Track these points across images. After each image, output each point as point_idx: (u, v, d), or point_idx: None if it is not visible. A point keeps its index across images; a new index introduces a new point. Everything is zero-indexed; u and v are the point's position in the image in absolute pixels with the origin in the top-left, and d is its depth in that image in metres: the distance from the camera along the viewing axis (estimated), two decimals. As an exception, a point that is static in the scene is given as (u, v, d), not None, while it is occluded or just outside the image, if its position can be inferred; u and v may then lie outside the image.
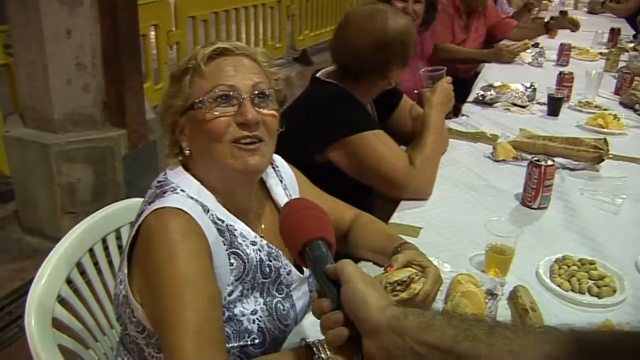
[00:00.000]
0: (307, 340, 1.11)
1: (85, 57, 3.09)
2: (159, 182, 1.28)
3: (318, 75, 2.16)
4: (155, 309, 1.13)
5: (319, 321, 0.95)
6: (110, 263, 1.58)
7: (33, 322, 1.30)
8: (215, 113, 1.22)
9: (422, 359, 0.82)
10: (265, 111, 1.26)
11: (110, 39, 3.11)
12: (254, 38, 6.30)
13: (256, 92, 1.25)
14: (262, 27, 6.44)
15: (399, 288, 1.26)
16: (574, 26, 4.77)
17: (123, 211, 1.61)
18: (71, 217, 3.15)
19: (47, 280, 1.37)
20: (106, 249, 1.57)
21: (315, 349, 1.08)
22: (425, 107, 2.17)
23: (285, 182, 1.50)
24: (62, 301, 1.41)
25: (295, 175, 1.55)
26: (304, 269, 1.41)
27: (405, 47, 2.04)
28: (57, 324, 1.37)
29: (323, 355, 1.07)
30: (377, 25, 2.01)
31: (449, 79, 2.28)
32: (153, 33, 4.77)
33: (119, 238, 1.60)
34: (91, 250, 1.52)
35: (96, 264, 1.54)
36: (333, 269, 0.96)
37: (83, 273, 1.50)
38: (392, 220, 1.81)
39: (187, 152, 1.28)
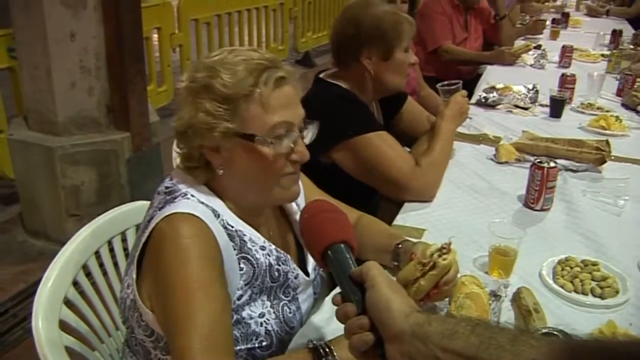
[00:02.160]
0: (314, 342, 1.12)
1: (88, 59, 3.11)
2: (167, 187, 1.27)
3: (321, 75, 2.17)
4: (165, 313, 1.13)
5: (342, 325, 0.95)
6: (116, 265, 1.59)
7: (40, 323, 1.30)
8: (277, 151, 1.23)
9: None
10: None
11: (114, 41, 3.13)
12: (256, 40, 6.31)
13: (303, 127, 1.29)
14: (265, 29, 6.45)
15: (444, 250, 1.32)
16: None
17: (128, 214, 1.62)
18: (75, 220, 3.16)
19: (53, 282, 1.38)
20: (111, 250, 1.58)
21: (322, 351, 1.08)
22: (437, 118, 2.18)
23: None
24: (67, 303, 1.41)
25: (301, 180, 1.56)
26: (309, 272, 1.43)
27: (379, 32, 2.04)
28: (63, 326, 1.37)
29: (330, 358, 1.08)
30: (358, 8, 2.08)
31: (464, 92, 2.30)
32: (156, 35, 4.78)
33: (124, 240, 1.60)
34: (97, 253, 1.53)
35: (101, 266, 1.55)
36: (358, 272, 0.96)
37: (89, 275, 1.51)
38: (395, 222, 1.82)
39: (220, 171, 1.26)
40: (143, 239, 1.20)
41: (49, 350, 1.29)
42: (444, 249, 1.32)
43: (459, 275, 1.44)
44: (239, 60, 1.22)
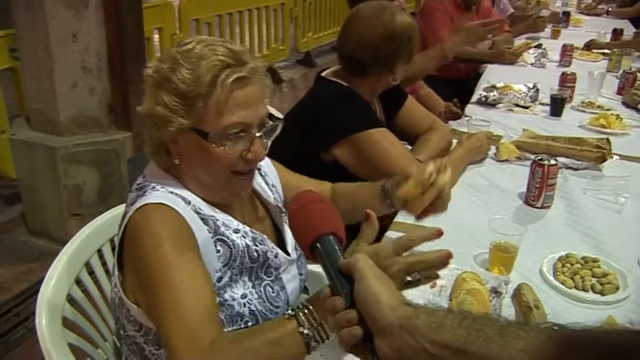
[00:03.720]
0: (293, 308, 1.12)
1: (90, 60, 3.11)
2: (138, 184, 1.31)
3: (323, 74, 2.18)
4: (149, 298, 1.16)
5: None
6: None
7: (44, 320, 1.32)
8: (228, 150, 1.23)
9: (434, 358, 0.82)
10: (267, 144, 1.29)
11: (115, 41, 3.14)
12: (257, 40, 6.31)
13: (264, 127, 1.27)
14: (265, 29, 6.45)
15: (441, 170, 1.40)
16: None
17: (130, 212, 1.63)
18: (77, 219, 3.17)
19: (56, 279, 1.39)
20: (114, 249, 1.58)
21: (302, 314, 1.09)
22: (457, 144, 2.26)
23: (263, 170, 1.53)
24: (70, 300, 1.42)
25: (272, 164, 1.58)
26: (290, 252, 1.44)
27: (411, 42, 2.09)
28: (66, 323, 1.38)
29: (311, 319, 1.08)
30: (386, 18, 2.06)
31: (490, 132, 2.39)
32: (157, 36, 4.78)
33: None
34: (99, 251, 1.54)
35: (104, 264, 1.56)
36: (346, 264, 0.96)
37: (91, 273, 1.52)
38: (396, 219, 1.82)
39: (177, 161, 1.28)
40: (119, 235, 1.23)
41: (52, 347, 1.30)
42: (439, 169, 1.40)
43: (459, 272, 1.45)
44: (203, 53, 1.21)
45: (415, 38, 2.10)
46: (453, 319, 0.83)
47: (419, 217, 1.46)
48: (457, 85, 3.80)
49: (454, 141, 2.41)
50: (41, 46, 3.02)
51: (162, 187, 1.26)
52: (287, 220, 1.14)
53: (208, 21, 5.38)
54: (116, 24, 3.12)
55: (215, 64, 1.20)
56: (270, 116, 1.31)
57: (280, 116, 1.35)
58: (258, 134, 1.25)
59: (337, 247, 1.00)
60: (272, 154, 2.07)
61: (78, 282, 1.45)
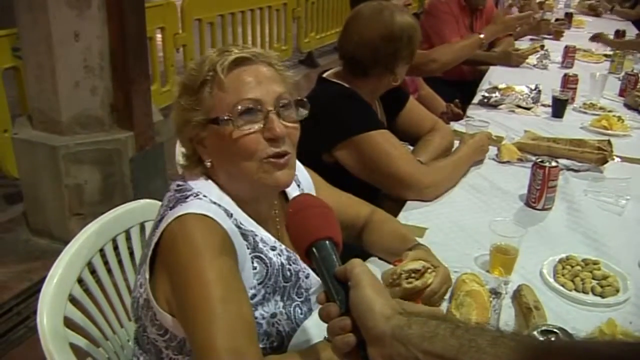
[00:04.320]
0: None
1: (92, 59, 3.12)
2: (179, 185, 1.27)
3: (324, 75, 2.18)
4: (185, 310, 1.12)
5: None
6: (120, 263, 1.60)
7: (45, 320, 1.32)
8: (244, 130, 1.20)
9: None
10: (289, 124, 1.25)
11: (118, 41, 3.14)
12: (259, 40, 6.32)
13: (280, 104, 1.23)
14: (268, 29, 6.46)
15: (413, 275, 1.29)
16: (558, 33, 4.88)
17: (133, 212, 1.64)
18: (79, 219, 3.18)
19: (58, 279, 1.39)
20: (116, 248, 1.59)
21: None
22: (461, 143, 2.26)
23: (302, 186, 1.50)
24: (72, 300, 1.43)
25: (311, 176, 1.56)
26: None
27: (412, 42, 2.08)
28: (68, 323, 1.38)
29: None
30: (386, 18, 2.06)
31: (490, 133, 2.39)
32: (159, 35, 4.80)
33: (128, 239, 1.62)
34: (101, 250, 1.55)
35: (106, 264, 1.56)
36: (342, 270, 0.95)
37: (93, 272, 1.52)
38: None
39: (208, 163, 1.26)
40: (155, 239, 1.19)
41: (53, 346, 1.30)
42: (415, 272, 1.30)
43: (460, 273, 1.45)
44: (210, 53, 1.25)
45: (416, 38, 2.10)
46: (445, 328, 0.83)
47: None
48: (459, 86, 3.80)
49: (456, 142, 2.41)
50: (43, 45, 3.03)
51: (204, 196, 1.22)
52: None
53: (211, 21, 5.40)
54: (119, 24, 3.12)
55: (217, 53, 1.23)
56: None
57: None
58: (271, 109, 1.22)
59: (332, 253, 1.00)
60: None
61: (80, 281, 1.46)
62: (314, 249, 1.00)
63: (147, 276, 1.20)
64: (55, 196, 3.21)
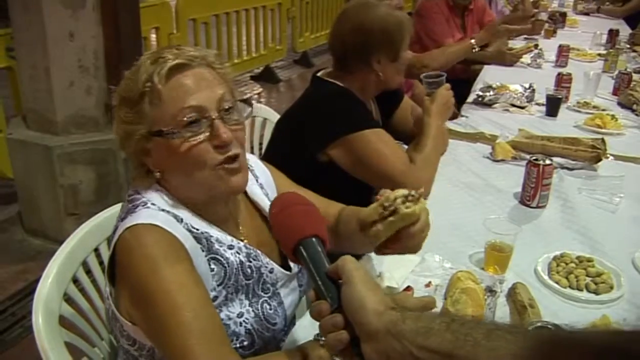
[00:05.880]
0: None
1: (87, 59, 3.12)
2: (129, 195, 1.26)
3: (319, 74, 2.19)
4: (150, 321, 1.12)
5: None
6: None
7: (40, 319, 1.31)
8: (190, 141, 1.17)
9: None
10: (235, 126, 1.22)
11: (112, 41, 3.14)
12: (254, 40, 6.32)
13: (223, 108, 1.20)
14: (262, 29, 6.46)
15: (410, 198, 1.21)
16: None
17: (127, 211, 1.63)
18: (74, 219, 3.17)
19: (53, 278, 1.39)
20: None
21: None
22: (424, 115, 2.17)
23: (260, 181, 1.48)
24: (67, 299, 1.43)
25: (270, 171, 1.52)
26: (291, 265, 1.39)
27: (388, 35, 2.04)
28: (63, 322, 1.38)
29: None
30: (359, 11, 2.07)
31: (448, 85, 2.29)
32: (154, 35, 4.79)
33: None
34: (96, 250, 1.54)
35: (101, 263, 1.56)
36: (334, 268, 0.95)
37: (88, 272, 1.52)
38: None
39: (157, 174, 1.23)
40: (110, 251, 1.19)
41: (49, 346, 1.30)
42: (411, 196, 1.21)
43: (454, 271, 1.46)
44: (142, 61, 1.20)
45: (396, 32, 2.05)
46: (440, 323, 0.83)
47: (378, 251, 1.30)
48: (453, 85, 3.80)
49: (450, 141, 2.42)
50: (38, 45, 3.03)
51: (152, 204, 1.21)
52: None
53: (205, 21, 5.40)
54: (113, 24, 3.12)
55: (151, 60, 1.18)
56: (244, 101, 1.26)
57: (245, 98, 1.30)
58: (215, 116, 1.18)
59: (320, 250, 0.99)
60: (269, 154, 2.08)
61: (75, 280, 1.46)
62: (301, 248, 0.99)
63: (108, 289, 1.21)
64: (50, 196, 3.21)
